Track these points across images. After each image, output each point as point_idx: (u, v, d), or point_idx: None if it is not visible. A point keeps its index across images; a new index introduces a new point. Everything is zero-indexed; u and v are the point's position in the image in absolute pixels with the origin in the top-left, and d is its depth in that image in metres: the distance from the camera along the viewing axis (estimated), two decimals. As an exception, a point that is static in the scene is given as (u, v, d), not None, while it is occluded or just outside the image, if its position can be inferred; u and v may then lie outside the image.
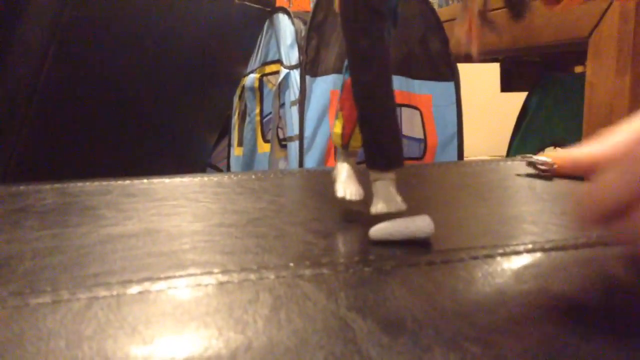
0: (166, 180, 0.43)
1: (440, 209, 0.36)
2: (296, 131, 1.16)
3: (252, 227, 0.31)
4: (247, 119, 1.47)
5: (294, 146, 1.15)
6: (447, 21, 1.49)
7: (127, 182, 0.42)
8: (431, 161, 1.49)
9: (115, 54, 0.95)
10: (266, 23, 1.39)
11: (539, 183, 0.42)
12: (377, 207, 0.29)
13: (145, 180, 0.43)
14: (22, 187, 0.41)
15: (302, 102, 1.13)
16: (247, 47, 1.36)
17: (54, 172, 0.89)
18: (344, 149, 0.33)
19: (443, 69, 1.45)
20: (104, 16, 0.87)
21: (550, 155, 0.45)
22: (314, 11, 1.17)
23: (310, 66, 1.19)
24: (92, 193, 0.39)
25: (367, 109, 0.30)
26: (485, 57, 1.79)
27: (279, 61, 1.33)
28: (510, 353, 0.17)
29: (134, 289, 0.22)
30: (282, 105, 1.30)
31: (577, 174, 0.42)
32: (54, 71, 0.84)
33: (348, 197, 0.31)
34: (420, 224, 0.27)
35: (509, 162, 0.52)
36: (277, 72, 1.34)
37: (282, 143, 1.31)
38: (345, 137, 0.33)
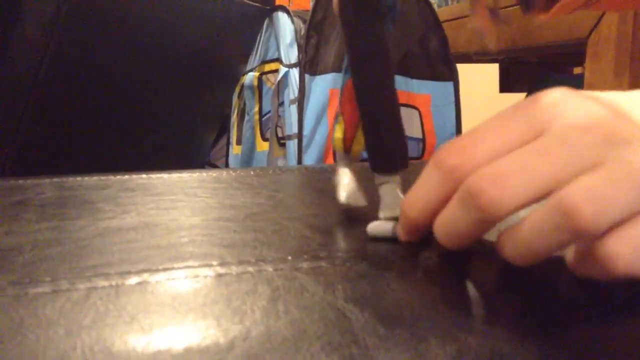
0: (165, 176, 0.43)
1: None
2: (295, 130, 1.16)
3: (251, 222, 0.31)
4: (246, 117, 1.47)
5: (292, 145, 1.15)
6: (446, 21, 1.49)
7: (126, 177, 0.43)
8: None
9: (114, 50, 0.96)
10: (266, 21, 1.39)
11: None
12: (385, 212, 0.28)
13: (144, 175, 0.43)
14: (20, 181, 0.41)
15: (301, 100, 1.13)
16: (246, 45, 1.37)
17: (52, 168, 0.89)
18: (345, 153, 0.33)
19: (442, 68, 1.45)
20: (103, 12, 0.87)
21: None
22: (313, 10, 1.17)
23: (309, 65, 1.19)
24: (91, 187, 0.39)
25: (369, 110, 0.30)
26: (485, 57, 1.79)
27: (278, 60, 1.33)
28: (507, 345, 0.17)
29: (132, 280, 0.22)
30: (281, 103, 1.30)
31: None
32: (53, 67, 0.84)
33: (352, 203, 0.31)
34: None
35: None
36: (276, 71, 1.34)
37: (281, 142, 1.31)
38: (347, 142, 0.33)
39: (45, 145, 0.89)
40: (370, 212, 0.29)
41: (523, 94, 1.77)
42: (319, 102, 1.15)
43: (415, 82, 1.40)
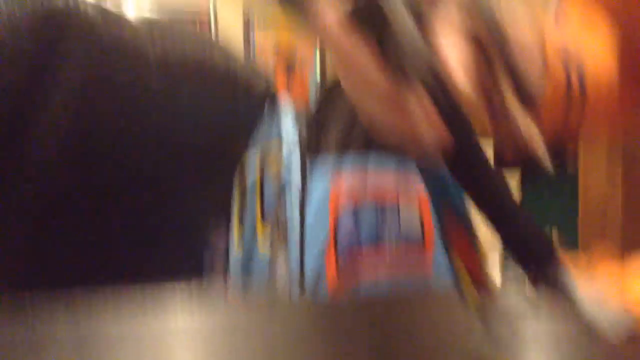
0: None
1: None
2: (296, 216, 1.19)
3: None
4: (248, 217, 1.47)
5: (293, 232, 1.18)
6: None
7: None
8: (431, 248, 1.50)
9: (123, 144, 0.99)
10: (266, 104, 1.44)
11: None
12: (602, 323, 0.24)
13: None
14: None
15: (303, 187, 1.17)
16: (250, 131, 1.42)
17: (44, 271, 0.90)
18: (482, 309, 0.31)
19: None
20: (111, 116, 0.91)
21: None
22: (316, 96, 1.23)
23: (310, 147, 1.23)
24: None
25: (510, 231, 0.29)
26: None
27: (278, 138, 1.37)
28: None
29: None
30: (282, 187, 1.33)
31: None
32: (67, 158, 0.87)
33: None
34: None
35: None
36: (278, 169, 1.39)
37: (282, 230, 1.33)
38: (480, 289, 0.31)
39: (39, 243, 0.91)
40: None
41: (517, 174, 1.81)
42: (321, 188, 1.19)
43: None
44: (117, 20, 0.85)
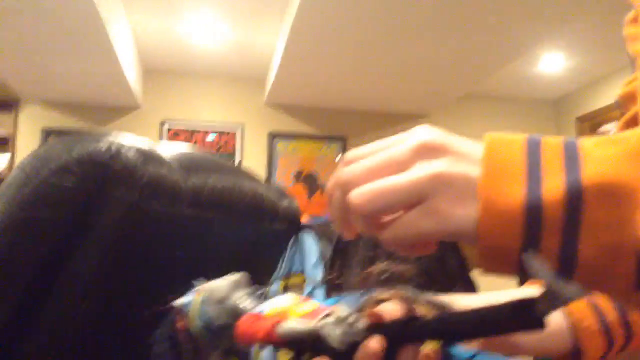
0: None
1: None
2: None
3: None
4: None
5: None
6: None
7: None
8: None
9: (152, 277, 1.01)
10: (292, 239, 1.47)
11: None
12: None
13: None
14: None
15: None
16: (273, 261, 1.43)
17: None
18: None
19: (460, 287, 1.48)
20: (146, 247, 0.94)
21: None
22: (339, 237, 1.25)
23: (333, 285, 1.23)
24: None
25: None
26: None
27: (302, 273, 1.38)
28: None
29: None
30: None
31: None
32: (97, 306, 0.88)
33: None
34: None
35: None
36: (300, 284, 1.38)
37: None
38: None
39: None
40: None
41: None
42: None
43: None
44: (154, 159, 0.90)
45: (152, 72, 4.98)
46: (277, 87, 4.03)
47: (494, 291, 1.47)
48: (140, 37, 4.43)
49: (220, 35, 3.98)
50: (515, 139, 0.37)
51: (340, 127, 4.15)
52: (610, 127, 4.60)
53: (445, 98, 4.44)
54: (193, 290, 0.41)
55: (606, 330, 0.60)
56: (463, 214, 0.35)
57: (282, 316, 0.37)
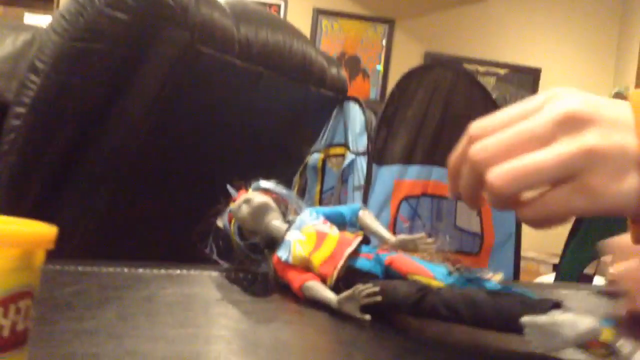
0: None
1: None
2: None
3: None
4: (307, 195, 1.51)
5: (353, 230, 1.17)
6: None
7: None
8: (486, 259, 1.48)
9: (202, 132, 1.02)
10: (336, 108, 1.45)
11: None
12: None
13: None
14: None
15: (366, 189, 1.17)
16: (316, 129, 1.43)
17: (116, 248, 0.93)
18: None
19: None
20: (198, 95, 0.94)
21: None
22: (386, 105, 1.23)
23: (377, 155, 1.23)
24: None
25: None
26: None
27: (344, 145, 1.38)
28: None
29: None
30: (344, 186, 1.34)
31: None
32: (145, 144, 0.90)
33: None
34: None
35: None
36: (341, 155, 1.39)
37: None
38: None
39: (122, 215, 0.94)
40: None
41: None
42: (383, 192, 1.18)
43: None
44: (208, 1, 0.87)
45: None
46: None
47: None
48: None
49: None
50: None
51: (389, 9, 3.96)
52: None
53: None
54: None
55: None
56: (621, 189, 0.32)
57: (305, 266, 0.38)
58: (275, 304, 0.39)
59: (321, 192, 1.46)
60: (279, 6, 3.64)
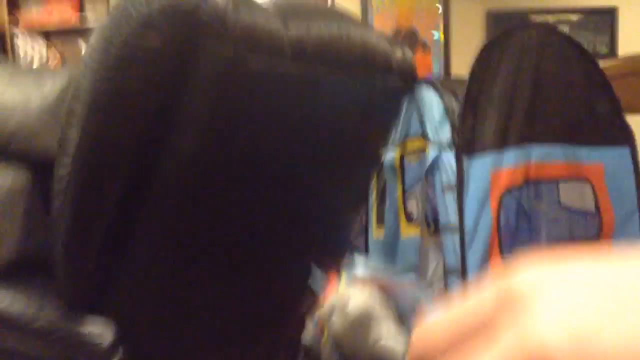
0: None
1: None
2: (452, 220, 1.02)
3: None
4: (388, 200, 1.35)
5: (451, 238, 1.01)
6: (615, 79, 1.30)
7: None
8: (608, 241, 1.27)
9: (262, 132, 0.89)
10: (407, 95, 1.29)
11: None
12: None
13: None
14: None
15: (460, 188, 1.00)
16: (387, 122, 1.27)
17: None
18: None
19: (614, 132, 1.25)
20: (252, 106, 0.81)
21: None
22: (469, 85, 1.05)
23: (466, 145, 1.06)
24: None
25: None
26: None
27: (422, 136, 1.21)
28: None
29: None
30: (430, 185, 1.18)
31: None
32: (204, 176, 0.79)
33: None
34: None
35: None
36: (421, 150, 1.23)
37: (431, 228, 1.17)
38: None
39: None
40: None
41: None
42: (480, 188, 1.01)
43: (584, 150, 1.21)
44: (247, 4, 0.74)
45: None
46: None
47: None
48: None
49: None
50: None
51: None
52: None
53: None
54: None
55: None
56: None
57: None
58: None
59: (403, 192, 1.30)
60: (324, -7, 3.47)
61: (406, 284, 0.28)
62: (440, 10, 3.53)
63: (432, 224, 1.17)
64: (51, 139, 0.87)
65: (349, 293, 0.28)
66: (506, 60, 1.09)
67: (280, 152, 0.95)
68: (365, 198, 1.41)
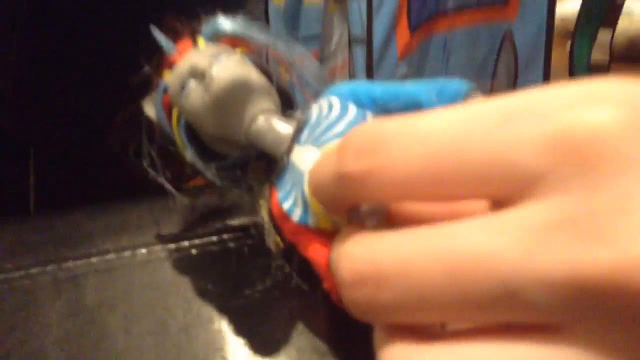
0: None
1: None
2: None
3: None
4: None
5: (356, 3, 0.92)
6: None
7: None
8: (516, 9, 1.21)
9: None
10: None
11: None
12: None
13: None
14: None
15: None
16: None
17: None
18: None
19: None
20: None
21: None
22: None
23: None
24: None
25: None
26: None
27: None
28: None
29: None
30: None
31: None
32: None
33: None
34: None
35: None
36: None
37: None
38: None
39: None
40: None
41: None
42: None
43: None
44: None
45: None
46: None
47: None
48: None
49: None
50: None
51: None
52: None
53: None
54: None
55: None
56: None
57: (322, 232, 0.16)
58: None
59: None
60: None
61: (307, 55, 0.22)
62: None
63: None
64: None
65: (211, 54, 0.20)
66: None
67: None
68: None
